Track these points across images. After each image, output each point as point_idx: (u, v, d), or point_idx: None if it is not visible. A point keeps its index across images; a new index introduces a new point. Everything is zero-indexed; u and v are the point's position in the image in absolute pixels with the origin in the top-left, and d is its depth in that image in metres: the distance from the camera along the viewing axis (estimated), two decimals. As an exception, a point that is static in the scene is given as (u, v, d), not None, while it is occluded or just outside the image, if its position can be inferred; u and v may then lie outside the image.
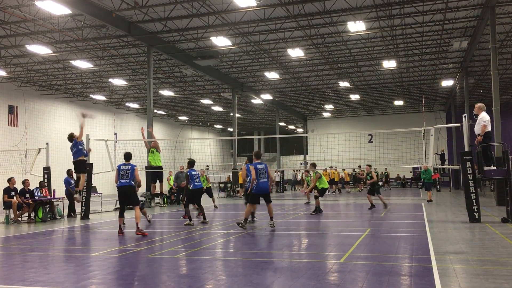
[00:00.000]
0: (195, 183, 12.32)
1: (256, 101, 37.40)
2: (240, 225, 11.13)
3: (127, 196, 10.73)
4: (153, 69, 25.36)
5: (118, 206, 18.76)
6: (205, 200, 15.24)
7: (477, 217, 12.10)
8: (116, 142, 21.48)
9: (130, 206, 11.44)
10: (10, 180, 14.75)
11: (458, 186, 33.63)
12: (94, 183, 17.35)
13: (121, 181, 10.65)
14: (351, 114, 48.68)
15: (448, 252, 7.93)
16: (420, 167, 19.18)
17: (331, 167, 30.97)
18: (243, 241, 9.73)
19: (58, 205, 15.56)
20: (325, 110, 45.70)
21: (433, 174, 21.16)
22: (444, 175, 37.27)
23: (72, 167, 16.01)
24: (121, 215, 10.79)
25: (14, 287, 5.94)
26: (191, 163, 12.90)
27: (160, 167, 15.97)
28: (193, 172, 12.45)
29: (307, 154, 49.33)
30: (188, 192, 12.48)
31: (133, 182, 10.70)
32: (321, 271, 6.65)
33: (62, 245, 9.92)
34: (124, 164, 10.88)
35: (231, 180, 31.10)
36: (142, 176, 17.01)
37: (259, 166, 11.02)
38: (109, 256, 8.02)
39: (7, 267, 7.32)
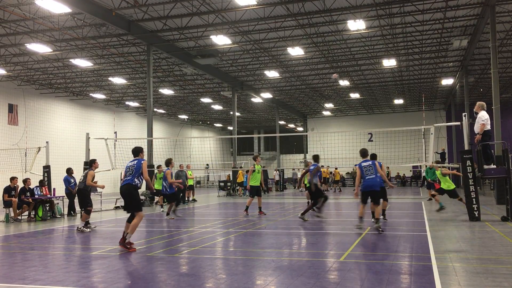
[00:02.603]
0: (367, 177, 10.36)
1: (256, 99, 37.40)
2: (357, 227, 10.53)
3: (126, 198, 8.70)
4: (153, 67, 25.35)
5: (118, 205, 18.93)
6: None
7: (477, 215, 12.11)
8: (116, 140, 21.50)
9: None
10: (12, 180, 14.79)
11: (458, 184, 33.61)
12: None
13: (124, 180, 8.84)
14: (351, 113, 48.68)
15: (448, 250, 7.94)
16: (426, 166, 18.40)
17: (336, 168, 31.22)
18: (243, 239, 9.74)
19: (58, 203, 15.56)
20: (325, 109, 45.69)
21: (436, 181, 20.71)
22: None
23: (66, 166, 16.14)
24: (129, 221, 8.69)
25: (14, 286, 5.95)
26: (363, 152, 10.83)
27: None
28: (363, 164, 10.49)
29: (307, 152, 49.34)
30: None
31: (137, 181, 8.66)
32: (321, 269, 6.65)
33: (62, 243, 9.92)
34: (131, 161, 8.99)
35: (231, 178, 31.12)
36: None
37: (364, 164, 10.34)
38: (109, 255, 8.02)
39: (7, 265, 7.32)
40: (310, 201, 18.19)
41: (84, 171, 15.41)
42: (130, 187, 8.62)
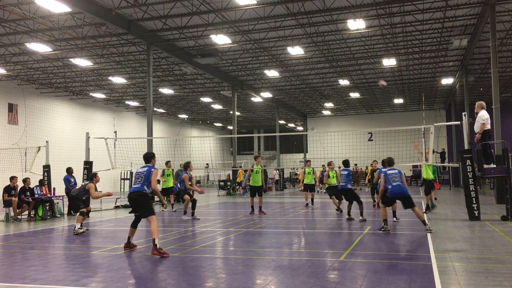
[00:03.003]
0: (394, 184, 10.34)
1: (256, 99, 37.38)
2: (382, 229, 10.22)
3: (135, 206, 8.45)
4: (153, 67, 25.33)
5: (117, 204, 18.92)
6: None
7: (476, 215, 12.11)
8: (116, 140, 21.48)
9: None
10: (12, 179, 14.79)
11: (458, 184, 33.64)
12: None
13: (133, 186, 8.51)
14: (351, 112, 48.68)
15: (448, 250, 7.94)
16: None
17: (339, 167, 31.10)
18: (243, 239, 9.74)
19: (58, 203, 15.56)
20: (325, 108, 45.69)
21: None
22: (444, 173, 37.32)
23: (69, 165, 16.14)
24: (132, 226, 8.52)
25: (14, 285, 5.95)
26: (390, 161, 10.96)
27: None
28: (389, 171, 10.53)
29: (307, 152, 49.36)
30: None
31: (146, 189, 8.38)
32: (321, 269, 6.66)
33: (62, 243, 9.92)
34: (141, 167, 8.65)
35: (231, 178, 31.12)
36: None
37: (390, 172, 10.49)
38: (109, 254, 8.02)
39: (7, 265, 7.32)
40: (308, 202, 18.25)
41: (83, 181, 15.37)
42: (139, 195, 8.28)
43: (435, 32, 22.71)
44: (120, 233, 10.82)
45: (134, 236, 8.59)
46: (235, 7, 18.66)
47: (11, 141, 27.66)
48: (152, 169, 8.40)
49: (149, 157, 8.70)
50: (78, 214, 11.42)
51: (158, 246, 7.76)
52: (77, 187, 12.25)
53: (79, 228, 10.98)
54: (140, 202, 8.27)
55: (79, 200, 11.75)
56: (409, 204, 10.24)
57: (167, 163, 17.99)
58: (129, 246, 8.42)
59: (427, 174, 14.56)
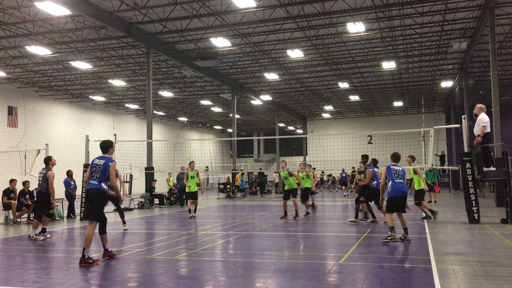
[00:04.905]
0: (396, 180, 9.46)
1: (256, 102, 37.40)
2: (389, 238, 9.07)
3: (89, 204, 7.59)
4: (153, 70, 25.36)
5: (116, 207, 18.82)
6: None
7: (476, 218, 12.10)
8: (115, 143, 21.45)
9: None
10: (11, 182, 14.78)
11: (457, 187, 33.65)
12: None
13: (90, 181, 7.55)
14: (350, 115, 48.72)
15: (448, 253, 7.93)
16: (423, 168, 17.26)
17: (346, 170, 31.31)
18: (242, 242, 9.72)
19: (57, 206, 15.52)
20: (325, 111, 45.74)
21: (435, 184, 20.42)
22: (444, 176, 37.31)
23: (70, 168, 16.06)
24: (101, 232, 7.71)
25: (13, 288, 5.94)
26: (396, 157, 9.92)
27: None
28: (393, 167, 9.61)
29: (306, 155, 49.35)
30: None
31: (105, 186, 7.51)
32: (321, 272, 6.65)
33: (61, 246, 9.90)
34: (98, 158, 7.65)
35: (231, 181, 31.12)
36: (141, 178, 16.94)
37: (394, 167, 9.57)
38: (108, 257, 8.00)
39: (6, 268, 7.31)
40: (307, 211, 18.15)
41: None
42: (99, 193, 7.46)
43: (435, 35, 22.76)
44: (120, 236, 10.81)
45: (127, 239, 8.57)
46: (234, 10, 18.69)
47: (11, 144, 27.63)
48: (110, 163, 7.50)
49: (107, 146, 7.73)
50: (43, 217, 10.30)
51: (86, 256, 7.22)
52: (40, 182, 10.73)
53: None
54: (97, 201, 7.45)
55: (49, 199, 10.59)
56: (402, 208, 9.50)
57: (191, 163, 15.76)
58: (107, 254, 7.76)
59: (419, 184, 12.97)
